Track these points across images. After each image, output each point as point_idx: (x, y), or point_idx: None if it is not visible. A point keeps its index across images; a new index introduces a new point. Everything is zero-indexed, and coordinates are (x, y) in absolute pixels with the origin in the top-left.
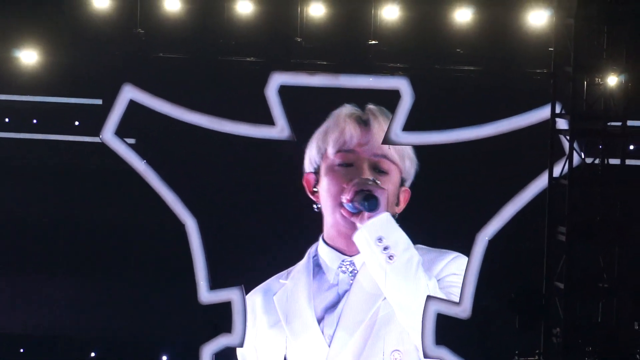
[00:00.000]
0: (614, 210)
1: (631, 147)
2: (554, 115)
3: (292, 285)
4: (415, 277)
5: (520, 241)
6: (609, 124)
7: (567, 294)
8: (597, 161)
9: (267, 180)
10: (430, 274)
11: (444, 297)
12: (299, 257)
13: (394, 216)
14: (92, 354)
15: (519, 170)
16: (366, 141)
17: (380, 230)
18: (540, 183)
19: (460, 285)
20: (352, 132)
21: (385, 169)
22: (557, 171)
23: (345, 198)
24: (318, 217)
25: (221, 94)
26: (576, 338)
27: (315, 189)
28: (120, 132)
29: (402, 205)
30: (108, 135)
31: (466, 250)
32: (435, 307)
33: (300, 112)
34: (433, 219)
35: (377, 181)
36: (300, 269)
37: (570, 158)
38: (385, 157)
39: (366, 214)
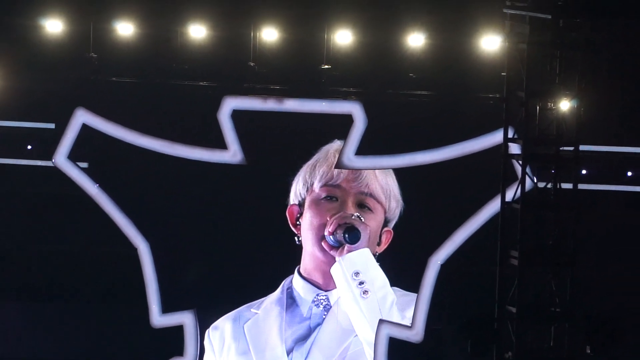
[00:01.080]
0: (566, 234)
1: (584, 171)
2: (506, 139)
3: (263, 315)
4: (387, 316)
5: (472, 265)
6: (561, 148)
7: (519, 318)
8: (549, 185)
9: (221, 205)
10: (402, 314)
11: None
12: (256, 281)
13: (374, 255)
14: None
15: (472, 194)
16: (354, 178)
17: (358, 264)
18: (493, 207)
19: None
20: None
21: (370, 206)
22: (509, 195)
23: (327, 230)
24: (274, 242)
25: (174, 118)
26: None
27: (297, 222)
28: (73, 156)
29: (384, 246)
30: (61, 159)
31: (418, 274)
32: (387, 331)
33: (254, 137)
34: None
35: (360, 217)
36: (273, 299)
37: (522, 182)
38: (371, 195)
39: (346, 247)
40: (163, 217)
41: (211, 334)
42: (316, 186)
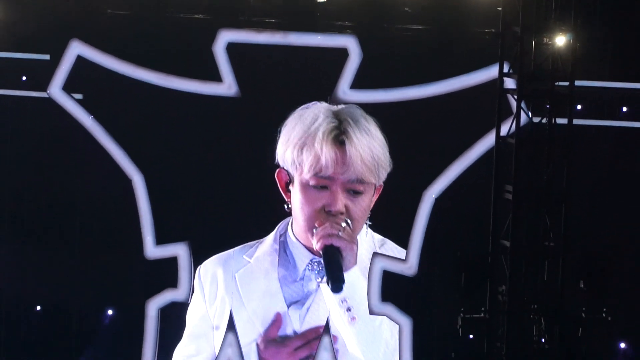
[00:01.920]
0: (560, 170)
1: (579, 107)
2: (501, 74)
3: (256, 265)
4: (377, 335)
5: (467, 200)
6: (556, 83)
7: (513, 252)
8: (544, 120)
9: (216, 138)
10: (392, 331)
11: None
12: (249, 218)
13: (369, 213)
14: (38, 308)
15: (466, 129)
16: (342, 169)
17: (345, 290)
18: (487, 142)
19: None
20: (327, 160)
21: (360, 190)
22: (504, 130)
23: (314, 244)
24: (269, 176)
25: (169, 50)
26: (521, 296)
27: (288, 189)
28: (68, 88)
29: (375, 198)
30: (56, 90)
31: (412, 208)
32: (381, 264)
33: (248, 70)
34: None
35: (349, 223)
36: (266, 250)
37: (517, 117)
38: (360, 181)
39: None
40: (158, 149)
41: (202, 274)
42: (305, 172)
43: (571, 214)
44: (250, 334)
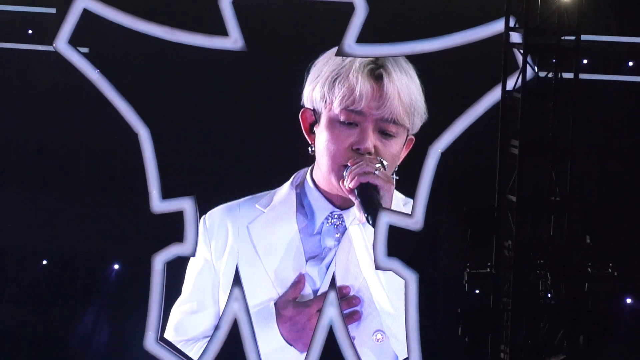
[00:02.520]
0: (566, 125)
1: (585, 61)
2: (507, 28)
3: (272, 215)
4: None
5: (472, 154)
6: (562, 38)
7: (519, 207)
8: (550, 75)
9: (222, 92)
10: None
11: None
12: (256, 173)
13: (396, 168)
14: (44, 262)
15: (472, 83)
16: (376, 105)
17: None
18: (493, 96)
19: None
20: (362, 92)
21: (392, 132)
22: (510, 84)
23: (347, 183)
24: (277, 131)
25: (175, 5)
26: (527, 251)
27: (312, 131)
28: (74, 42)
29: (405, 153)
30: (62, 44)
31: (419, 163)
32: (387, 219)
33: (254, 24)
34: None
35: (384, 163)
36: (282, 198)
37: (523, 71)
38: (394, 121)
39: None
40: (164, 103)
41: (207, 224)
42: (335, 106)
43: (577, 168)
44: (265, 292)
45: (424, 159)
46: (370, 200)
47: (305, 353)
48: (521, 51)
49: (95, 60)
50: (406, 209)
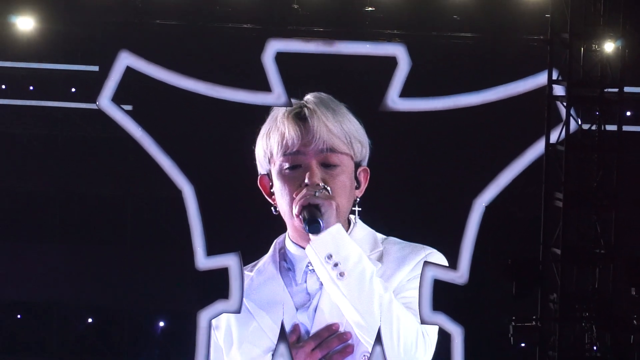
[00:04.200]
0: (610, 176)
1: (628, 113)
2: (550, 81)
3: (257, 276)
4: (368, 290)
5: (517, 208)
6: (605, 90)
7: (564, 260)
8: (593, 127)
9: None
10: (385, 285)
11: (401, 307)
12: None
13: (355, 200)
14: (89, 320)
15: (516, 137)
16: (309, 140)
17: (330, 246)
18: (537, 149)
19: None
20: (292, 133)
21: (334, 162)
22: (553, 137)
23: (294, 212)
24: None
25: (218, 61)
26: (573, 304)
27: (272, 191)
28: (117, 99)
29: (363, 186)
30: (105, 101)
31: (462, 216)
32: (431, 273)
33: (297, 79)
34: (430, 186)
35: (326, 187)
36: (267, 260)
37: (567, 124)
38: (332, 150)
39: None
40: (207, 159)
41: (213, 324)
42: (276, 158)
43: (621, 220)
44: (262, 345)
45: (468, 212)
46: (311, 216)
47: None
48: (564, 104)
49: (138, 117)
50: (385, 244)
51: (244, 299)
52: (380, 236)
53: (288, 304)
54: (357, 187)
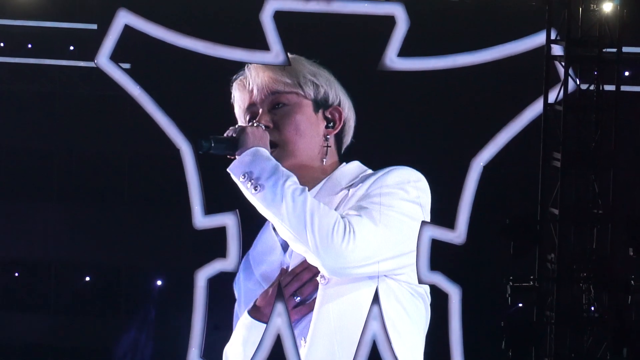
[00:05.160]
0: (608, 136)
1: (626, 73)
2: (549, 41)
3: (260, 234)
4: (279, 197)
5: (515, 168)
6: (604, 50)
7: (562, 220)
8: (592, 87)
9: None
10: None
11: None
12: None
13: (325, 137)
14: (87, 279)
15: (514, 97)
16: (253, 92)
17: (244, 166)
18: (535, 109)
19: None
20: (239, 96)
21: (282, 101)
22: (552, 97)
23: None
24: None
25: (216, 19)
26: (570, 264)
27: None
28: (115, 57)
29: (339, 125)
30: (103, 60)
31: (461, 176)
32: (429, 233)
33: (296, 38)
34: (428, 145)
35: (260, 125)
36: None
37: (565, 84)
38: (276, 92)
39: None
40: (205, 118)
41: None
42: (241, 116)
43: (619, 180)
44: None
45: (466, 172)
46: (205, 139)
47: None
48: (562, 63)
49: (136, 75)
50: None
51: (249, 255)
52: (369, 172)
53: (276, 248)
54: (332, 126)
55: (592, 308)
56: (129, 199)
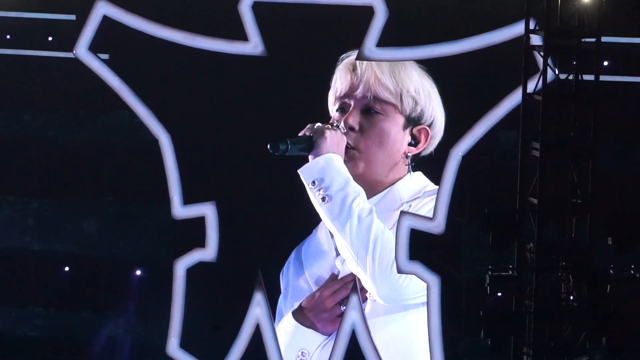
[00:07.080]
0: (587, 126)
1: (605, 63)
2: (527, 31)
3: (315, 233)
4: (347, 214)
5: (493, 157)
6: (583, 40)
7: (541, 210)
8: (571, 77)
9: (242, 97)
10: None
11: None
12: (275, 177)
13: (406, 155)
14: (66, 269)
15: (493, 87)
16: (357, 84)
17: (314, 173)
18: (514, 99)
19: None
20: (342, 79)
21: (377, 109)
22: (530, 87)
23: None
24: (296, 133)
25: (195, 10)
26: (549, 254)
27: None
28: (94, 48)
29: (422, 145)
30: (82, 50)
31: (439, 166)
32: (408, 222)
33: (274, 28)
34: None
35: (339, 127)
36: None
37: (544, 74)
38: (376, 97)
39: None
40: (184, 108)
41: None
42: (332, 101)
43: (598, 170)
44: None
45: (446, 161)
46: (283, 140)
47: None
48: (541, 53)
49: (115, 66)
50: (424, 200)
51: (302, 254)
52: (432, 187)
53: (330, 252)
54: (414, 145)
55: (571, 297)
56: (108, 189)
